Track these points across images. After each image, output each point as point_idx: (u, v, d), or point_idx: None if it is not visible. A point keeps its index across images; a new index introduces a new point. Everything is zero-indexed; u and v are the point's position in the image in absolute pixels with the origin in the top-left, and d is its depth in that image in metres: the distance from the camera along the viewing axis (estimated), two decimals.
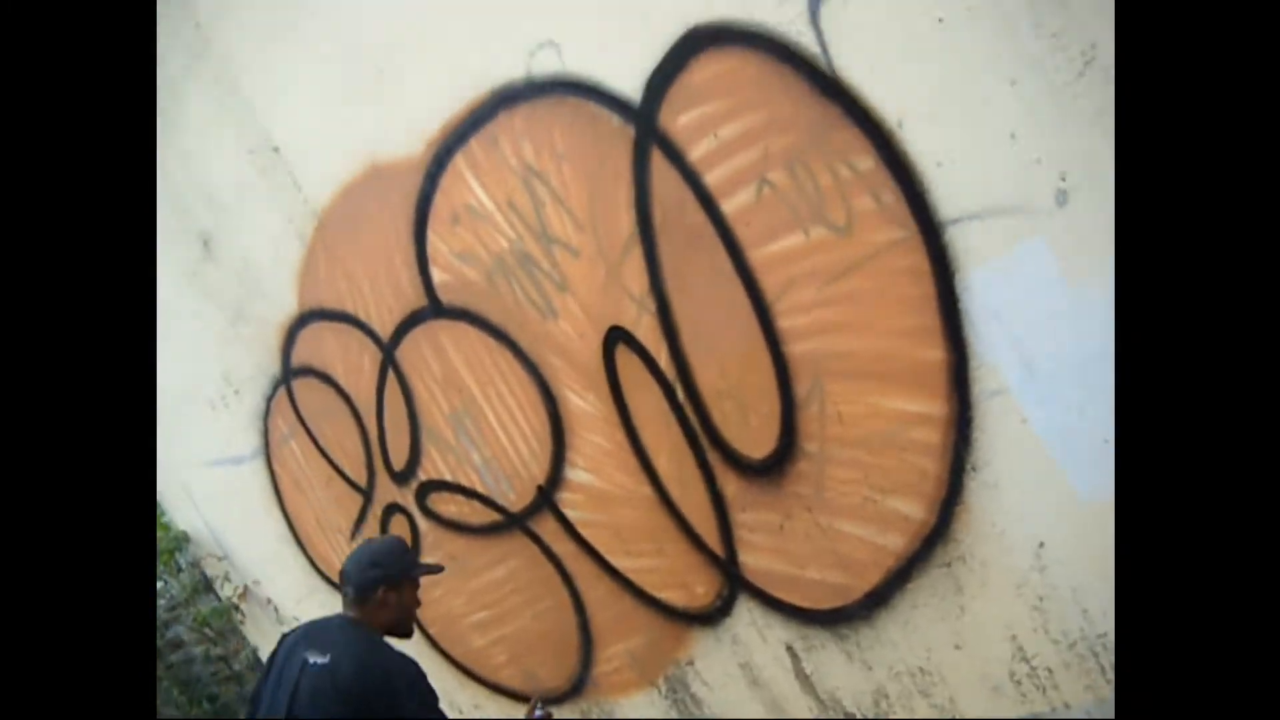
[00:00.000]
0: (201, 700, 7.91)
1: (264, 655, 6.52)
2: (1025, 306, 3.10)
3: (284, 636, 3.83)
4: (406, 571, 3.62)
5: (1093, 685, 3.45)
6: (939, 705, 3.80)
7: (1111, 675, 3.40)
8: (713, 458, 3.85)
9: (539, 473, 4.33)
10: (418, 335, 4.40)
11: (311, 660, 3.55)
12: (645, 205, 3.61)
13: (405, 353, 4.48)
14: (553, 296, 3.95)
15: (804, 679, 4.06)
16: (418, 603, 3.71)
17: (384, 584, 3.56)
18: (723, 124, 3.39)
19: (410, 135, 4.04)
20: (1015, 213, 2.98)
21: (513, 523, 4.53)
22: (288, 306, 4.78)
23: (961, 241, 3.10)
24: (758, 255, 3.47)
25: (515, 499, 4.47)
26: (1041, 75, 2.82)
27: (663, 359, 3.79)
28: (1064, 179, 2.89)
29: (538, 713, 3.81)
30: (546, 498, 4.36)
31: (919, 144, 3.07)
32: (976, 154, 3.00)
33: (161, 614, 7.61)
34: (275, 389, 5.08)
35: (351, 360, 4.69)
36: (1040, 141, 2.89)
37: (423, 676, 3.54)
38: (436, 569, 3.76)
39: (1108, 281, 2.90)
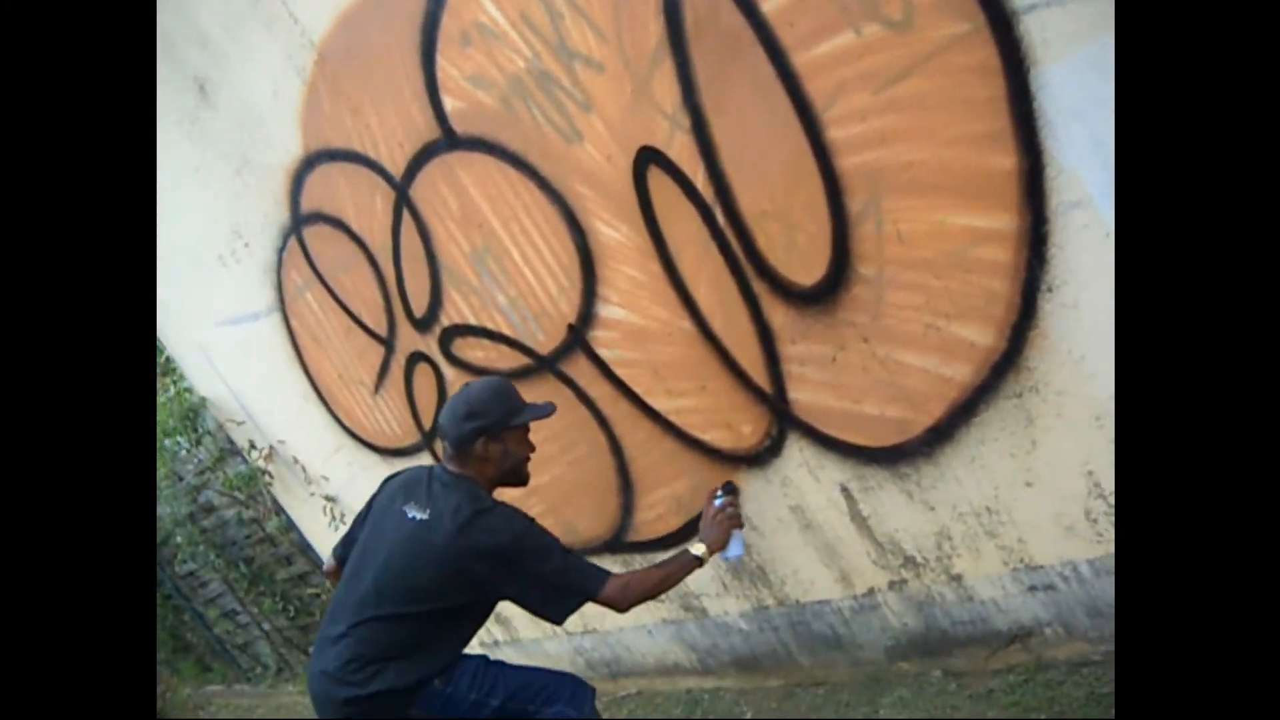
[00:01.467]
0: (238, 562, 7.85)
1: (296, 519, 6.37)
2: (1110, 106, 2.75)
3: (386, 481, 3.66)
4: (508, 419, 3.39)
5: None
6: (1007, 547, 3.55)
7: None
8: (758, 286, 3.55)
9: (569, 310, 4.05)
10: (432, 170, 4.08)
11: (411, 514, 3.37)
12: (675, 9, 3.26)
13: (420, 190, 4.17)
14: (576, 118, 3.62)
15: (860, 521, 3.82)
16: (529, 450, 3.52)
17: (484, 434, 3.34)
18: None
19: None
20: None
21: (543, 365, 4.26)
22: (292, 150, 4.46)
23: (1037, 32, 2.73)
24: (803, 59, 3.13)
25: (545, 340, 4.20)
26: None
27: (699, 180, 3.47)
28: None
29: (718, 501, 3.68)
30: (578, 337, 4.09)
31: None
32: None
33: (190, 479, 7.50)
34: (286, 239, 4.79)
35: (363, 202, 4.38)
36: None
37: (531, 533, 3.36)
38: (545, 411, 3.54)
39: None
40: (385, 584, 3.34)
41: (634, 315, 3.88)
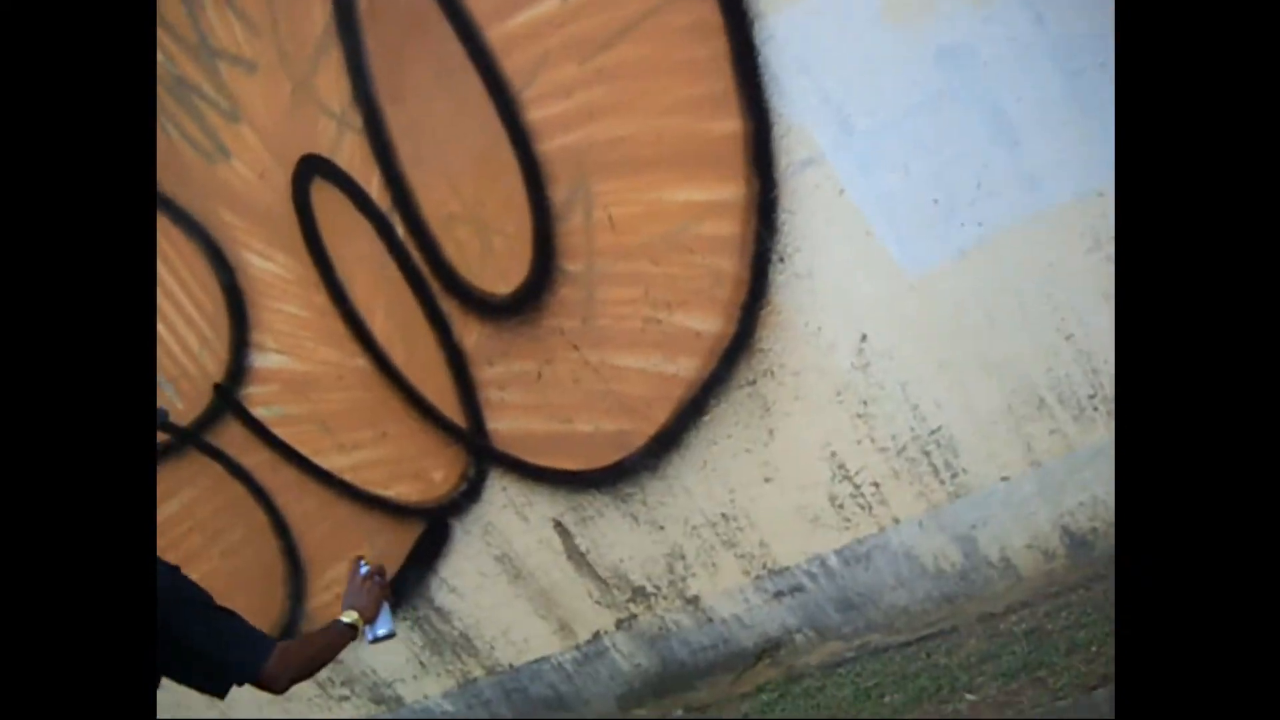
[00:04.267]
0: None
1: None
2: (840, 55, 2.66)
3: None
4: None
5: (925, 491, 3.07)
6: (747, 554, 3.31)
7: (946, 474, 3.03)
8: (446, 304, 3.19)
9: (215, 367, 3.49)
10: None
11: None
12: None
13: None
14: (220, 130, 3.16)
15: (579, 558, 3.45)
16: None
17: None
18: None
19: None
20: None
21: (184, 440, 3.64)
22: None
23: None
24: (498, 32, 2.86)
25: (185, 409, 3.59)
26: None
27: (374, 187, 3.10)
28: None
29: (363, 569, 3.10)
30: (227, 398, 3.52)
31: None
32: None
33: None
34: None
35: None
36: None
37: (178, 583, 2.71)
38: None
39: (935, 19, 2.56)
40: None
41: (296, 361, 3.39)
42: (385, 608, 3.12)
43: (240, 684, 2.72)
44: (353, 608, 3.05)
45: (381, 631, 3.13)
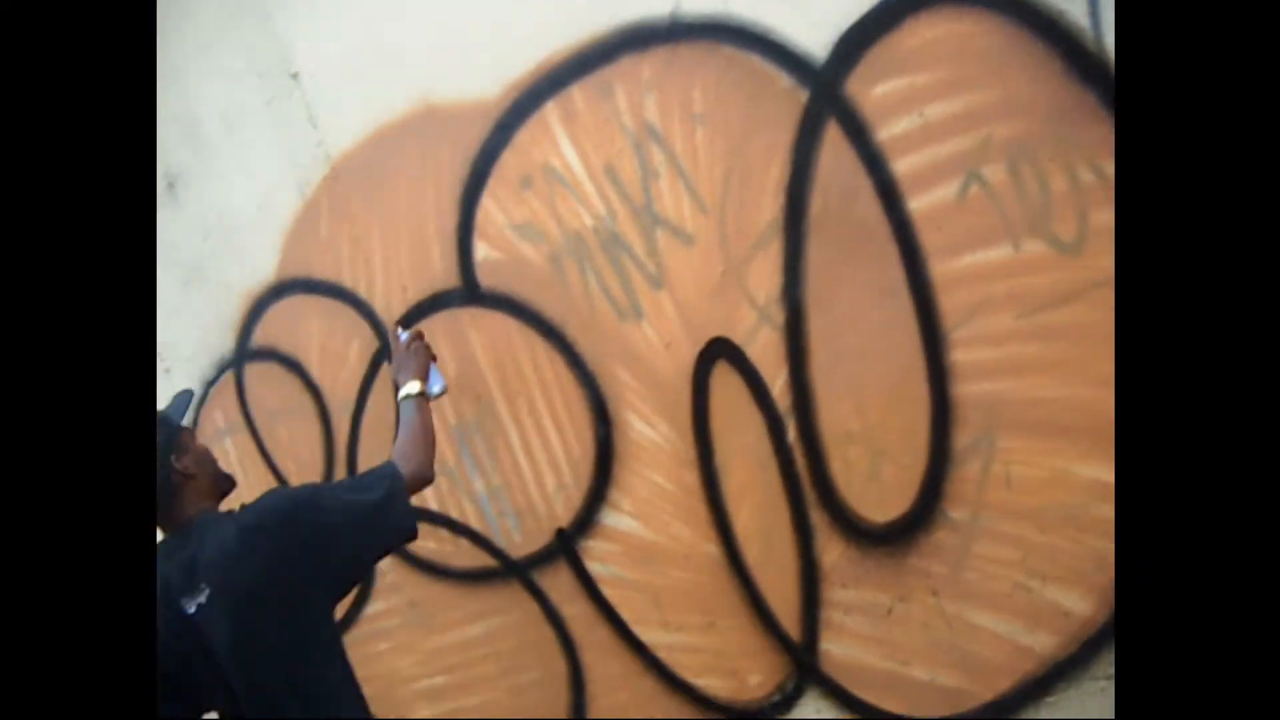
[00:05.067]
0: None
1: None
2: None
3: None
4: (172, 428, 2.73)
5: None
6: None
7: None
8: (816, 516, 3.12)
9: (563, 512, 3.51)
10: (435, 323, 3.56)
11: (190, 608, 2.61)
12: (801, 190, 2.93)
13: None
14: (641, 292, 3.20)
15: None
16: (204, 451, 2.84)
17: (172, 452, 2.67)
18: (934, 101, 2.75)
19: (485, 72, 3.29)
20: None
21: (510, 571, 3.66)
22: (263, 272, 3.88)
23: None
24: (944, 268, 2.81)
25: (521, 542, 3.62)
26: None
27: (777, 386, 3.07)
28: None
29: (403, 335, 3.25)
30: (566, 544, 3.53)
31: None
32: None
33: None
34: (220, 373, 4.13)
35: (335, 346, 3.81)
36: None
37: (298, 489, 2.84)
38: (184, 400, 2.91)
39: None
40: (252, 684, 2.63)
41: (646, 529, 3.37)
42: (433, 367, 3.28)
43: (404, 502, 2.79)
44: (410, 379, 3.17)
45: (436, 389, 3.23)
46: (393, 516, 2.76)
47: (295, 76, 3.60)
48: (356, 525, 2.70)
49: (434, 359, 3.29)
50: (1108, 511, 2.73)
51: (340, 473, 3.90)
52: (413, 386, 3.12)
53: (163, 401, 2.88)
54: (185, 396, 2.92)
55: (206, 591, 2.58)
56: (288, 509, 2.62)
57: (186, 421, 2.89)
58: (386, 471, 2.81)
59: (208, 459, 2.83)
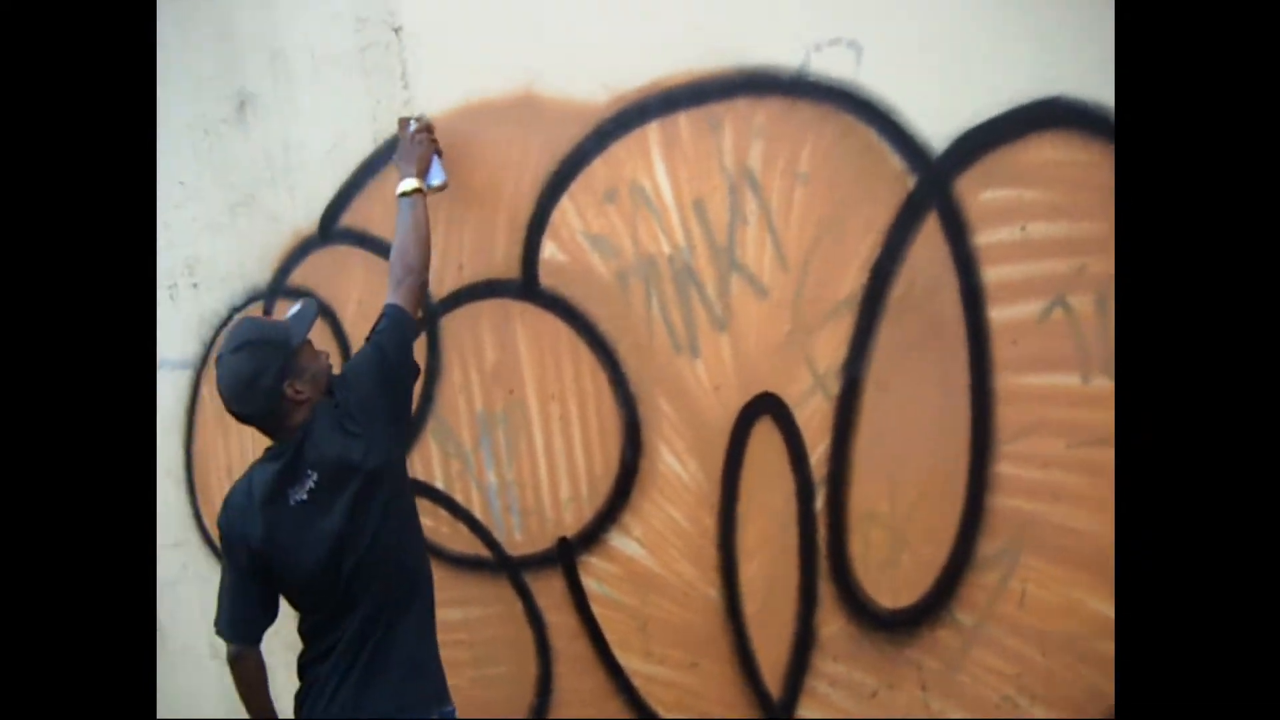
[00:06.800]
0: None
1: None
2: None
3: (227, 521, 2.89)
4: (289, 347, 2.79)
5: None
6: None
7: None
8: (825, 588, 3.15)
9: (571, 522, 3.52)
10: (482, 308, 3.55)
11: (300, 496, 2.76)
12: (887, 271, 2.96)
13: (455, 321, 3.61)
14: (702, 331, 3.21)
15: None
16: (324, 357, 2.95)
17: (285, 378, 2.75)
18: (1038, 219, 2.79)
19: (595, 77, 3.28)
20: None
21: (503, 566, 3.67)
22: (316, 212, 3.85)
23: None
24: (1009, 381, 2.85)
25: (520, 541, 3.63)
26: None
27: (817, 453, 3.10)
28: None
29: (411, 126, 3.33)
30: (566, 554, 3.54)
31: None
32: None
33: None
34: (250, 302, 4.09)
35: (374, 303, 3.76)
36: None
37: (363, 356, 2.97)
38: (310, 313, 2.98)
39: None
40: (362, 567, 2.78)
41: (652, 560, 3.39)
42: (435, 160, 3.37)
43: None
44: (409, 173, 3.25)
45: (436, 182, 3.35)
46: (412, 351, 3.03)
47: (398, 31, 3.57)
48: (405, 363, 2.97)
49: (439, 153, 3.38)
50: (1110, 650, 2.79)
51: None
52: (409, 182, 3.21)
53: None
54: (310, 307, 2.97)
55: (314, 476, 2.73)
56: (374, 372, 2.87)
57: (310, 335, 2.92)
58: (398, 317, 3.00)
59: (321, 375, 2.88)
